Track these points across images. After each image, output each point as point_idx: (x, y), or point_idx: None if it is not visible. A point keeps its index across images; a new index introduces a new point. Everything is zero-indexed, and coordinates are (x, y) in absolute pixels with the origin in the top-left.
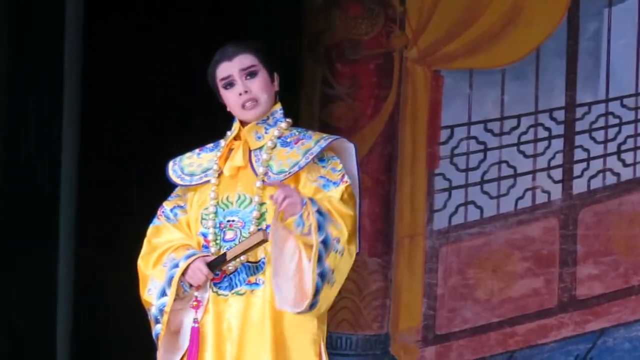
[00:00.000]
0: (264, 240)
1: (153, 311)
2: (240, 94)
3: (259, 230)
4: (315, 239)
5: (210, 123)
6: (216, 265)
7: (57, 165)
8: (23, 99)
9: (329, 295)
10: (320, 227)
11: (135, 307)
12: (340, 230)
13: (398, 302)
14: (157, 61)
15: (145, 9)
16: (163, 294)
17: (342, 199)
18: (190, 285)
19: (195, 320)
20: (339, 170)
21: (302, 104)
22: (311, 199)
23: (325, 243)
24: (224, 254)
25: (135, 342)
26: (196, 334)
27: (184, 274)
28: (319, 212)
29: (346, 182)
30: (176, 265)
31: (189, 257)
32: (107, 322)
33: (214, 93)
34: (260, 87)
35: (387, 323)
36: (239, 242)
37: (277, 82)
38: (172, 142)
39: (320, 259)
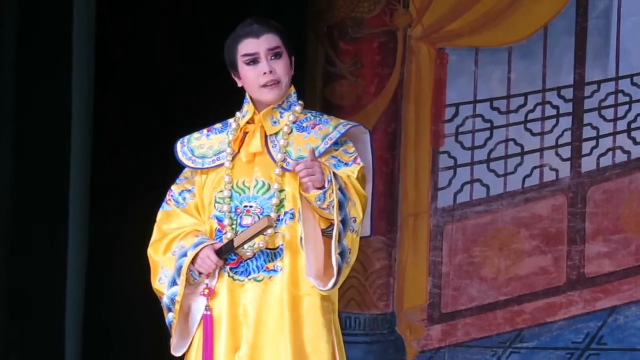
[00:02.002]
0: (269, 226)
1: (165, 300)
2: (264, 73)
3: (265, 216)
4: (336, 217)
5: (220, 107)
6: (224, 252)
7: (67, 160)
8: (32, 89)
9: (344, 274)
10: (341, 206)
11: (146, 295)
12: (356, 209)
13: (402, 281)
14: (166, 38)
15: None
16: (173, 283)
17: (357, 178)
18: (200, 273)
19: (207, 308)
20: (351, 153)
21: (304, 83)
22: (335, 175)
23: (344, 222)
24: (232, 241)
25: (146, 328)
26: (209, 322)
27: (193, 262)
28: (341, 189)
29: (359, 163)
30: (184, 254)
31: (196, 245)
32: (118, 308)
33: (229, 67)
34: (283, 69)
35: (392, 302)
36: (258, 221)
37: (293, 65)
38: (181, 123)
39: (340, 239)
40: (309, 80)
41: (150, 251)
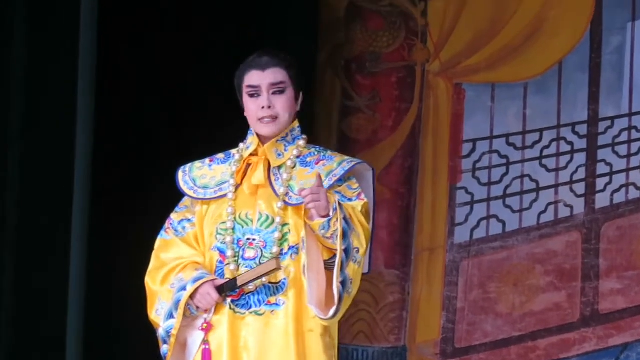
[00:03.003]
0: (277, 269)
1: (161, 332)
2: (262, 107)
3: (273, 258)
4: (339, 246)
5: (227, 119)
6: (226, 290)
7: (71, 166)
8: (38, 97)
9: (345, 305)
10: (344, 235)
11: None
12: (360, 240)
13: (416, 315)
14: (175, 59)
15: (162, 8)
16: (170, 316)
17: (361, 212)
18: (198, 308)
19: (205, 342)
20: (355, 189)
21: (321, 116)
22: (340, 205)
23: (347, 252)
24: (235, 279)
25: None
26: (208, 356)
27: (192, 296)
28: (345, 219)
29: (363, 199)
30: (184, 288)
31: (196, 280)
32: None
33: (236, 93)
34: (284, 105)
35: (404, 335)
36: (260, 261)
37: (300, 101)
38: (188, 136)
39: (342, 268)
40: (325, 113)
41: (147, 280)
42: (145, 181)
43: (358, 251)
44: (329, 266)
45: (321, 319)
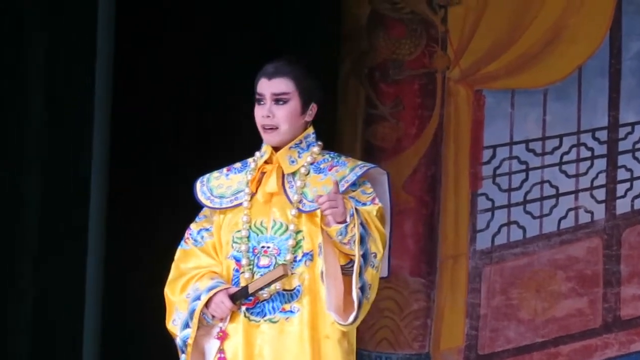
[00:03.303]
0: (284, 275)
1: (178, 342)
2: (263, 116)
3: (281, 264)
4: (357, 252)
5: (247, 124)
6: (239, 298)
7: (88, 170)
8: (54, 101)
9: (364, 311)
10: (362, 241)
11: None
12: (377, 245)
13: (440, 322)
14: (196, 65)
15: (183, 19)
16: (186, 325)
17: (376, 217)
18: (213, 317)
19: (220, 351)
20: (369, 194)
21: (345, 124)
22: (357, 210)
23: (364, 257)
24: (246, 287)
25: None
26: None
27: (207, 305)
28: (362, 225)
29: (377, 204)
30: (198, 298)
31: (210, 289)
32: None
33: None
34: (285, 116)
35: (428, 342)
36: (274, 268)
37: (312, 112)
38: (206, 140)
39: (360, 273)
40: (350, 121)
41: (167, 290)
42: (162, 185)
43: (375, 256)
44: (346, 271)
45: (340, 324)
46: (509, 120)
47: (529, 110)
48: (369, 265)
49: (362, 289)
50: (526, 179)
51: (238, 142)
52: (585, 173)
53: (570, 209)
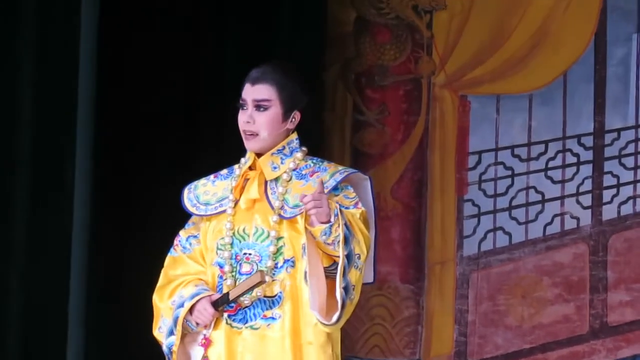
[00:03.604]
0: (262, 282)
1: (164, 348)
2: (244, 121)
3: (258, 270)
4: (341, 252)
5: (234, 130)
6: (220, 304)
7: (72, 174)
8: (40, 106)
9: (348, 312)
10: (346, 241)
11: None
12: (361, 247)
13: (430, 329)
14: (182, 72)
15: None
16: (171, 333)
17: (360, 219)
18: (197, 324)
19: (205, 358)
20: (352, 198)
21: (334, 131)
22: (341, 211)
23: (348, 258)
24: (227, 294)
25: None
26: None
27: (191, 312)
28: (346, 225)
29: (360, 207)
30: (182, 305)
31: (193, 296)
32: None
33: None
34: (264, 122)
35: (419, 349)
36: (252, 275)
37: (295, 119)
38: (191, 147)
39: (344, 273)
40: (338, 128)
41: (155, 297)
42: (148, 191)
43: (359, 257)
44: (329, 274)
45: (324, 324)
46: (494, 125)
47: (514, 115)
48: (352, 266)
49: (346, 289)
50: (512, 185)
51: (226, 143)
52: (571, 179)
53: (556, 215)
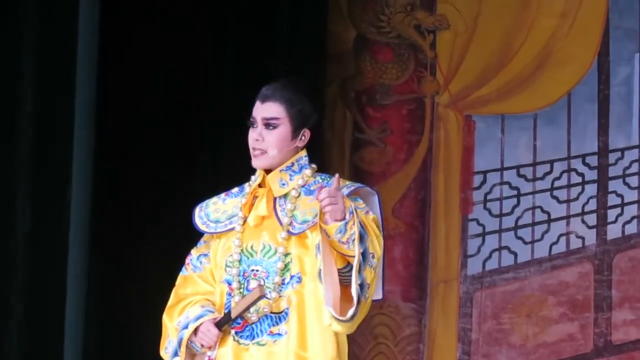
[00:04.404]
0: (261, 296)
1: None
2: (253, 139)
3: (258, 286)
4: (357, 249)
5: (236, 153)
6: (223, 324)
7: (68, 186)
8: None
9: (363, 311)
10: (361, 239)
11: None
12: (374, 246)
13: (432, 347)
14: (180, 86)
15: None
16: (175, 354)
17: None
18: (202, 345)
19: None
20: (362, 208)
21: (333, 148)
22: (356, 210)
23: (364, 255)
24: (229, 313)
25: None
26: None
27: (195, 333)
28: (361, 224)
29: (372, 215)
30: (186, 326)
31: (198, 318)
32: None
33: None
34: (274, 141)
35: None
36: (251, 292)
37: (304, 137)
38: (194, 165)
39: (359, 270)
40: (337, 146)
41: (165, 317)
42: (148, 191)
43: (374, 257)
44: (342, 276)
45: (339, 320)
46: (499, 145)
47: (519, 135)
48: (367, 265)
49: (361, 286)
50: (517, 205)
51: (226, 143)
52: (576, 198)
53: (561, 235)
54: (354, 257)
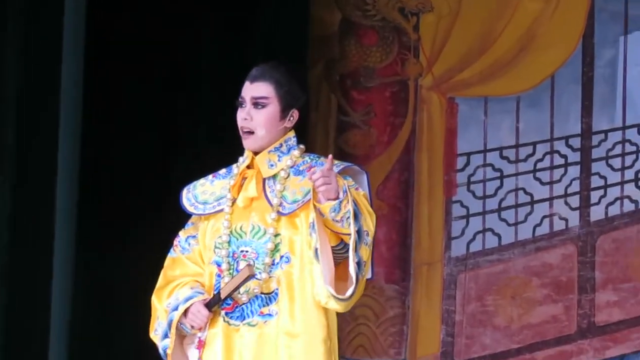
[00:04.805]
0: (250, 276)
1: (159, 350)
2: (242, 118)
3: (246, 265)
4: (352, 227)
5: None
6: (212, 305)
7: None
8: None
9: (360, 289)
10: (356, 217)
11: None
12: (368, 224)
13: (416, 329)
14: (164, 77)
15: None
16: (165, 335)
17: (364, 199)
18: (192, 327)
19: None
20: (352, 185)
21: (318, 131)
22: (349, 189)
23: (359, 233)
24: (219, 293)
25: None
26: None
27: (185, 315)
28: (354, 202)
29: (362, 191)
30: (176, 308)
31: (187, 299)
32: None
33: None
34: (262, 120)
35: (404, 349)
36: (240, 272)
37: (293, 118)
38: (178, 141)
39: (356, 248)
40: (322, 129)
41: (154, 299)
42: (135, 188)
43: (368, 234)
44: (336, 253)
45: (338, 299)
46: (482, 127)
47: (502, 117)
48: (363, 243)
49: (358, 264)
50: (500, 187)
51: (206, 137)
52: (559, 180)
53: (544, 216)
54: (348, 235)
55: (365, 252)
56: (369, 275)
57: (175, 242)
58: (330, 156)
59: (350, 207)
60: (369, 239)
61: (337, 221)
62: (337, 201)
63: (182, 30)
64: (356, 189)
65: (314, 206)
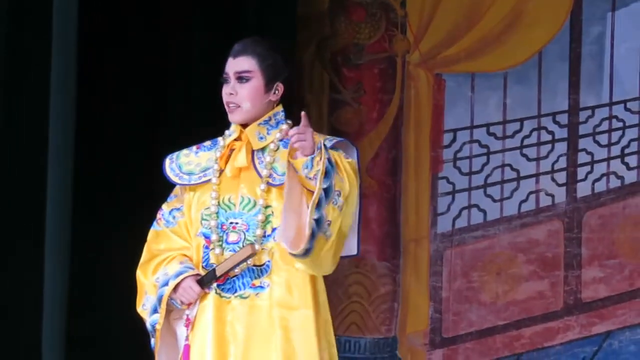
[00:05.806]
0: (252, 254)
1: (147, 326)
2: (227, 93)
3: (249, 244)
4: (319, 185)
5: (208, 117)
6: (206, 282)
7: (44, 167)
8: (12, 97)
9: (323, 247)
10: (326, 175)
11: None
12: (342, 184)
13: (406, 306)
14: (153, 61)
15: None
16: (155, 311)
17: (349, 164)
18: (182, 302)
19: (186, 338)
20: (342, 154)
21: (312, 110)
22: (325, 146)
23: (327, 191)
24: (214, 270)
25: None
26: (187, 352)
27: (175, 290)
28: (329, 160)
29: (350, 160)
30: (166, 283)
31: (178, 275)
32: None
33: None
34: (246, 94)
35: (395, 326)
36: (242, 245)
37: (278, 91)
38: (167, 136)
39: (319, 206)
40: (316, 107)
41: (139, 273)
42: (127, 183)
43: (340, 195)
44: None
45: (291, 254)
46: (469, 103)
47: (489, 93)
48: (331, 202)
49: (319, 221)
50: (487, 163)
51: (197, 119)
52: (546, 156)
53: (531, 192)
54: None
55: (332, 211)
56: (353, 252)
57: (158, 215)
58: (303, 113)
59: (322, 164)
60: (341, 200)
61: (310, 178)
62: (309, 157)
63: (171, 8)
64: (345, 156)
65: (288, 162)
